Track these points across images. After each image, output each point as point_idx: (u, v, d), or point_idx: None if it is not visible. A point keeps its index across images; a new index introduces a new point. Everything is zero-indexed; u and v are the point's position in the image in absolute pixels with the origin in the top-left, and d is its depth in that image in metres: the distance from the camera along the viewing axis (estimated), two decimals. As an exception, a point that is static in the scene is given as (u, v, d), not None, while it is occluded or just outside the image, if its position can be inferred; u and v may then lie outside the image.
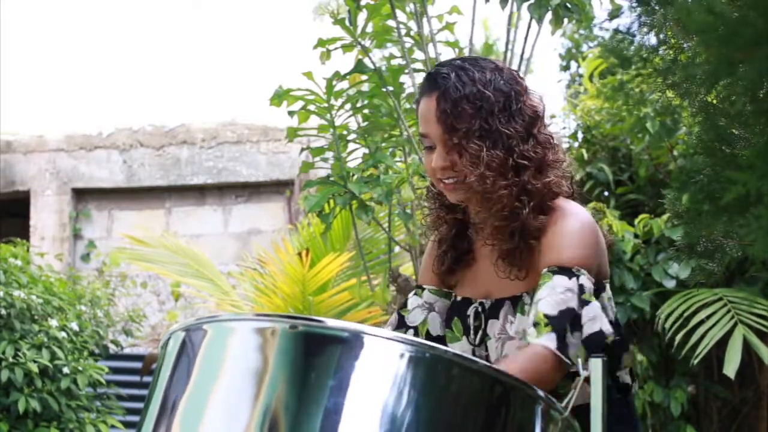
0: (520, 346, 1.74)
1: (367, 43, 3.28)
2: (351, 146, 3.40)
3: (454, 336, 1.90)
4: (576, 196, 1.89)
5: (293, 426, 1.36)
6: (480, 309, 1.87)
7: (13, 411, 4.48)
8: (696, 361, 3.66)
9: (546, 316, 1.66)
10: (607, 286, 1.85)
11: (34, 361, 4.48)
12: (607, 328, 1.69)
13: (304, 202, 3.22)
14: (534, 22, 3.29)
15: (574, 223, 1.78)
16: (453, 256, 1.93)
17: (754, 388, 4.48)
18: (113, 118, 7.86)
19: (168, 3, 17.05)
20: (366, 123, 3.37)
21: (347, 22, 3.21)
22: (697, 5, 1.36)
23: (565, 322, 1.64)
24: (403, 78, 3.28)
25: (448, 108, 1.77)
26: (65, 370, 4.59)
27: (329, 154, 3.36)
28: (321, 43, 3.24)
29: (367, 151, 3.33)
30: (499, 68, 1.83)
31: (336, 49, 3.27)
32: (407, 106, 3.31)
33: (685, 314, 3.78)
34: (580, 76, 6.60)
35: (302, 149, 3.61)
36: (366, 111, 3.36)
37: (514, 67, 3.51)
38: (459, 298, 1.93)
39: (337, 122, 3.33)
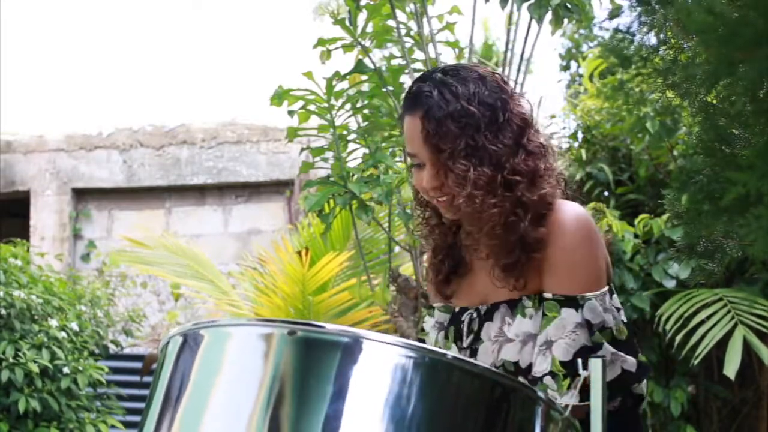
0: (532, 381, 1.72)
1: (367, 43, 3.28)
2: (351, 146, 3.40)
3: (447, 345, 1.88)
4: (570, 196, 1.85)
5: None
6: (475, 315, 1.85)
7: (13, 411, 4.48)
8: (696, 362, 3.66)
9: (563, 364, 1.68)
10: (614, 296, 1.82)
11: (34, 361, 4.48)
12: (630, 365, 1.73)
13: (304, 202, 3.22)
14: (534, 22, 3.28)
15: (575, 234, 1.74)
16: (450, 265, 1.90)
17: (754, 388, 4.47)
18: (113, 118, 7.87)
19: (168, 3, 17.05)
20: (366, 123, 3.37)
21: (347, 22, 3.21)
22: (697, 5, 1.36)
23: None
24: (403, 78, 3.28)
25: (431, 129, 1.73)
26: (65, 370, 4.59)
27: (329, 154, 3.36)
28: (321, 43, 3.24)
29: (367, 151, 3.33)
30: (482, 77, 1.77)
31: (336, 49, 3.27)
32: (407, 106, 3.30)
33: (686, 315, 3.78)
34: (580, 76, 6.60)
35: (302, 149, 3.62)
36: (366, 111, 3.36)
37: (514, 67, 3.52)
38: (457, 309, 1.90)
39: (337, 122, 3.33)
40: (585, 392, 1.53)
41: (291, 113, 3.28)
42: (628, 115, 4.58)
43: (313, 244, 5.10)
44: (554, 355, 1.69)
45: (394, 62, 3.38)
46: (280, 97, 3.23)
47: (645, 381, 1.82)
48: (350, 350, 1.39)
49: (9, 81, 13.76)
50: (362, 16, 3.22)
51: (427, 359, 1.40)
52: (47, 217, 7.60)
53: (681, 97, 1.58)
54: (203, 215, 7.61)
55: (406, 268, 4.40)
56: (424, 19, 3.35)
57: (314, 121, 3.41)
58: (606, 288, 1.76)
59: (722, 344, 3.70)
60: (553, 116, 5.46)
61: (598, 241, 1.78)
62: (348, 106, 3.34)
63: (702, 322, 3.74)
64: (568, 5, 3.24)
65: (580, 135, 5.18)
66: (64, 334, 4.70)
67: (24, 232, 7.29)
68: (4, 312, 4.57)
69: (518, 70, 3.49)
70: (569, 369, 1.68)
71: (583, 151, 5.01)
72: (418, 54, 3.41)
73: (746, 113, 1.47)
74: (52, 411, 4.57)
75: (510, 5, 3.28)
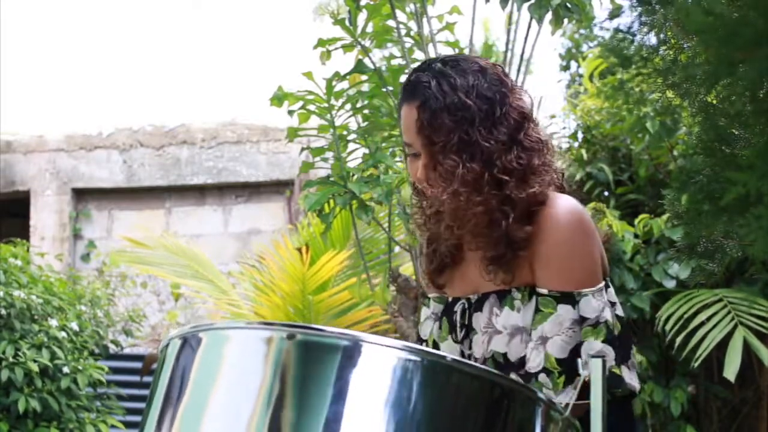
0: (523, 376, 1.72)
1: (367, 43, 3.28)
2: (351, 146, 3.41)
3: (442, 336, 1.88)
4: (566, 189, 1.83)
5: None
6: (467, 305, 1.84)
7: (13, 411, 4.48)
8: (696, 364, 3.66)
9: (558, 361, 1.67)
10: (610, 289, 1.80)
11: (34, 361, 4.48)
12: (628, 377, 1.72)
13: (304, 201, 3.22)
14: (534, 22, 3.28)
15: (569, 228, 1.73)
16: (442, 253, 1.88)
17: (754, 389, 4.47)
18: (113, 118, 7.87)
19: (168, 3, 17.05)
20: (366, 123, 3.37)
21: (347, 22, 3.22)
22: (697, 5, 1.36)
23: (575, 359, 1.65)
24: (403, 78, 3.28)
25: (426, 120, 1.71)
26: (65, 369, 4.59)
27: (329, 154, 3.36)
28: (321, 43, 3.24)
29: (367, 151, 3.34)
30: (482, 69, 1.74)
31: (336, 49, 3.27)
32: (407, 106, 3.30)
33: (686, 316, 3.78)
34: (580, 76, 6.60)
35: (302, 149, 3.62)
36: (366, 111, 3.36)
37: (514, 67, 3.52)
38: (450, 299, 1.89)
39: (337, 122, 3.34)
40: (580, 390, 1.54)
41: (291, 113, 3.28)
42: (628, 115, 4.58)
43: (313, 244, 5.10)
44: (550, 352, 1.68)
45: (394, 62, 3.39)
46: (280, 98, 3.24)
47: (635, 374, 1.79)
48: (350, 353, 1.39)
49: (9, 81, 13.78)
50: (362, 16, 3.22)
51: (427, 361, 1.40)
52: (47, 217, 7.61)
53: (681, 97, 1.58)
54: (203, 215, 7.61)
55: (406, 268, 4.40)
56: (424, 19, 3.35)
57: (314, 121, 3.41)
58: (602, 284, 1.75)
59: (722, 345, 3.70)
60: (553, 116, 5.46)
61: (593, 235, 1.76)
62: (348, 106, 3.34)
63: (702, 324, 3.74)
64: (569, 5, 3.24)
65: (580, 135, 5.18)
66: (64, 333, 4.70)
67: (24, 232, 7.29)
68: (4, 312, 4.57)
69: (518, 70, 3.49)
70: (565, 366, 1.68)
71: (583, 151, 5.01)
72: (418, 54, 3.41)
73: (746, 113, 1.47)
74: (52, 411, 4.57)
75: (510, 5, 3.28)
